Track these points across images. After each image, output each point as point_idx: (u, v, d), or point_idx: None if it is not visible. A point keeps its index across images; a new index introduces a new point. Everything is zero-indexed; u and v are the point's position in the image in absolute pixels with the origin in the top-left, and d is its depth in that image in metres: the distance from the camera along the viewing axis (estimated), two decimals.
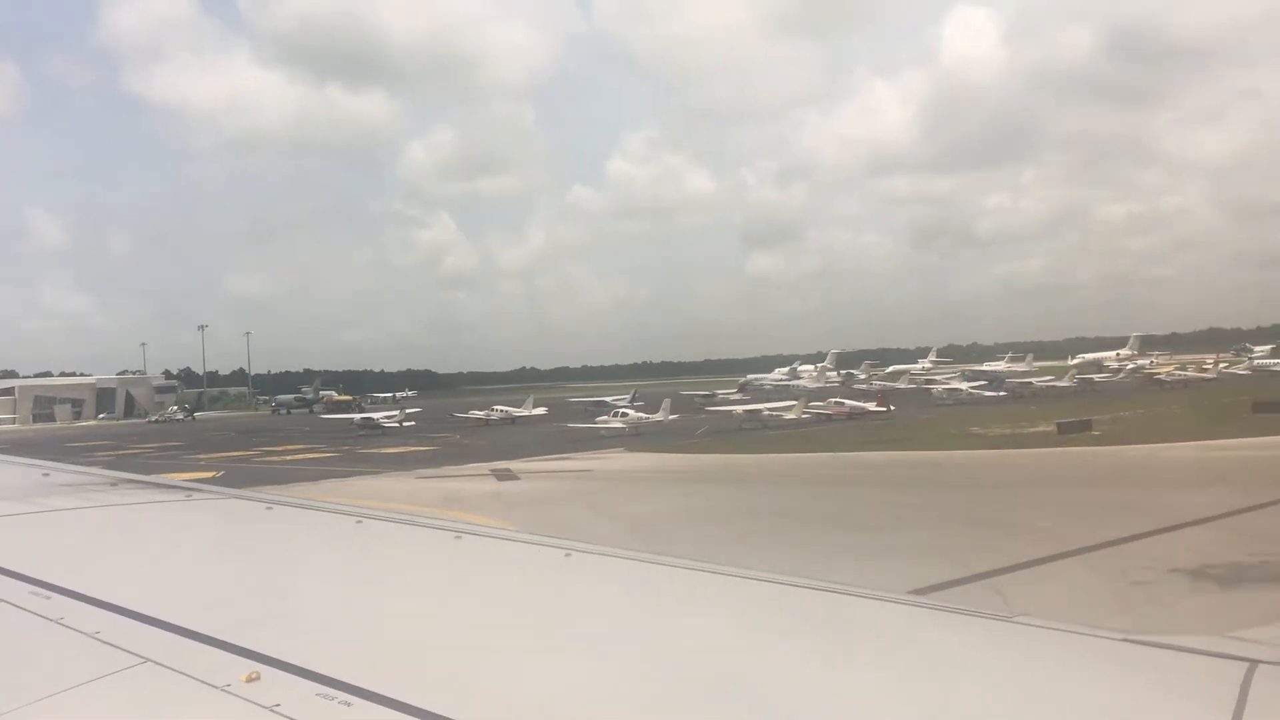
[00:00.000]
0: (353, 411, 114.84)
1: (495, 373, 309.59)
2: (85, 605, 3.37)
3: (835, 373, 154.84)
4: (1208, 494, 31.77)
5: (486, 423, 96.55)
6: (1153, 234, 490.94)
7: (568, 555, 4.25)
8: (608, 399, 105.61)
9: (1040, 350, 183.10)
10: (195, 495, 6.22)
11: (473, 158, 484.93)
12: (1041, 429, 66.09)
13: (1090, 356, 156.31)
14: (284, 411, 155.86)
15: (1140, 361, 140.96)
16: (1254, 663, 2.73)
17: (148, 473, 7.98)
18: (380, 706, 2.46)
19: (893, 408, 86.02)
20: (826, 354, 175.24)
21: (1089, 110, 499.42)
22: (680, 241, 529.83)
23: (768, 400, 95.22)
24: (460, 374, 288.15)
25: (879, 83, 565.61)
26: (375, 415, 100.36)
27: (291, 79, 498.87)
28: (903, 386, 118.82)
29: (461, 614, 3.57)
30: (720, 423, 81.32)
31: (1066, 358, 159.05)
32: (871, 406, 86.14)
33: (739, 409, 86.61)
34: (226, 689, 2.59)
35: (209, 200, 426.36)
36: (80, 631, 3.10)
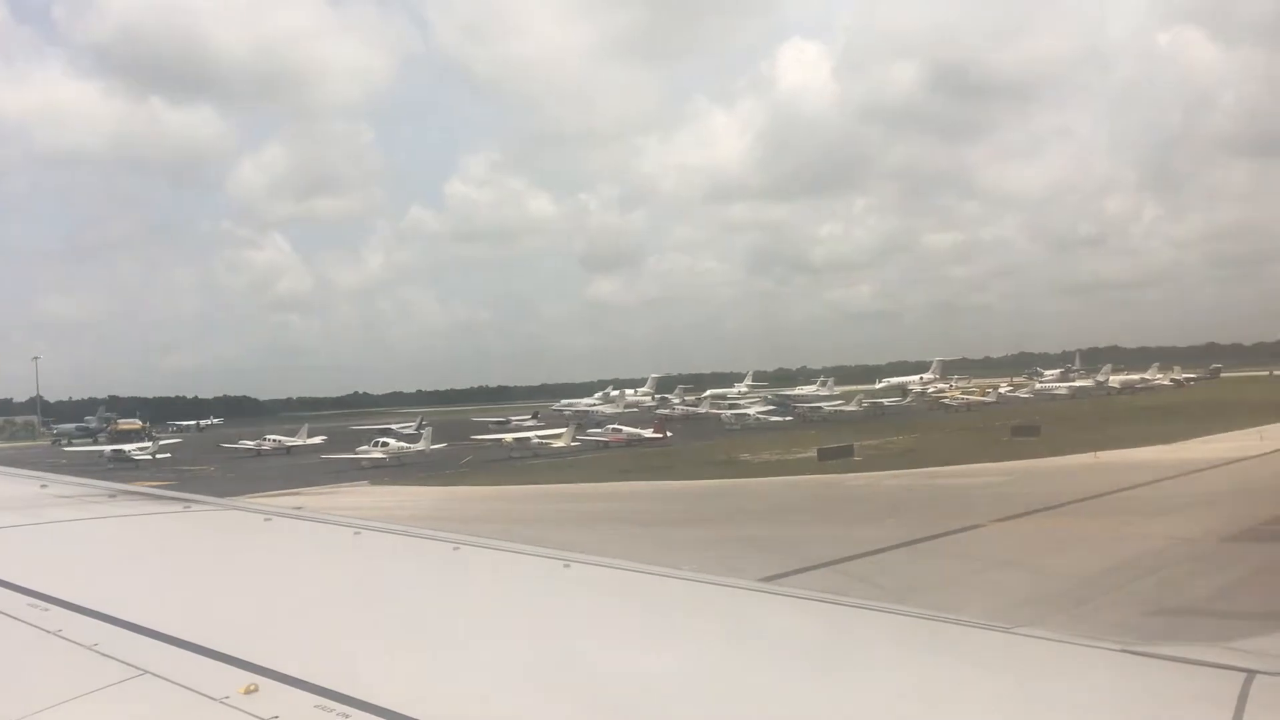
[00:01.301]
0: (144, 439, 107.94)
1: (326, 398, 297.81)
2: (83, 617, 3.34)
3: (652, 397, 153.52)
4: (873, 529, 29.67)
5: (258, 453, 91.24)
6: (974, 262, 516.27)
7: (567, 566, 4.25)
8: (394, 426, 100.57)
9: (866, 374, 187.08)
10: (193, 507, 6.10)
11: (307, 177, 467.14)
12: (807, 455, 65.42)
13: (896, 380, 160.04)
14: (65, 442, 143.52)
15: (940, 385, 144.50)
16: (1252, 673, 2.75)
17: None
18: (379, 718, 2.47)
19: (669, 434, 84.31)
20: (646, 379, 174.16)
21: (915, 143, 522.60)
22: (521, 265, 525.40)
23: (580, 426, 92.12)
24: (287, 399, 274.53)
25: (717, 111, 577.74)
26: (127, 447, 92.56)
27: (109, 91, 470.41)
28: (702, 411, 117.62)
29: (460, 624, 3.56)
30: (491, 452, 77.99)
31: (875, 381, 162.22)
32: (648, 434, 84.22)
33: (509, 437, 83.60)
34: (225, 701, 2.59)
35: (16, 216, 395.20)
36: (78, 643, 3.09)
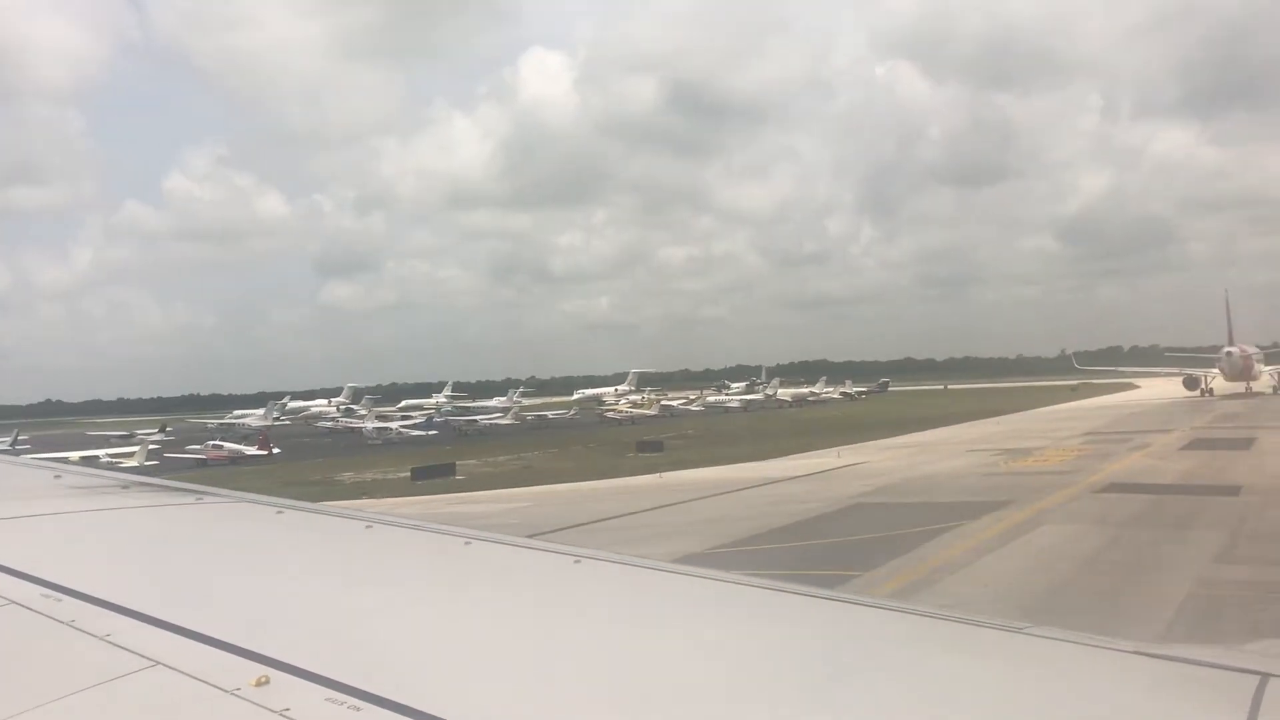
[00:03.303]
0: None
1: (15, 406, 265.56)
2: (96, 608, 3.33)
3: (338, 408, 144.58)
4: None
5: None
6: (707, 276, 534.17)
7: (577, 562, 4.23)
8: None
9: (607, 383, 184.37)
10: (206, 499, 6.05)
11: (2, 163, 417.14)
12: (403, 475, 60.35)
13: (590, 392, 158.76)
14: None
15: (634, 397, 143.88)
16: (1265, 675, 2.73)
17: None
18: (389, 711, 2.46)
19: (275, 450, 76.96)
20: (342, 389, 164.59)
21: (653, 157, 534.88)
22: (250, 267, 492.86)
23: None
24: None
25: (458, 116, 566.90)
26: None
27: None
28: (359, 425, 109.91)
29: (471, 619, 3.56)
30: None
31: (573, 392, 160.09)
32: (250, 450, 76.57)
33: (75, 455, 72.30)
34: (236, 692, 2.59)
35: None
36: (91, 634, 3.09)
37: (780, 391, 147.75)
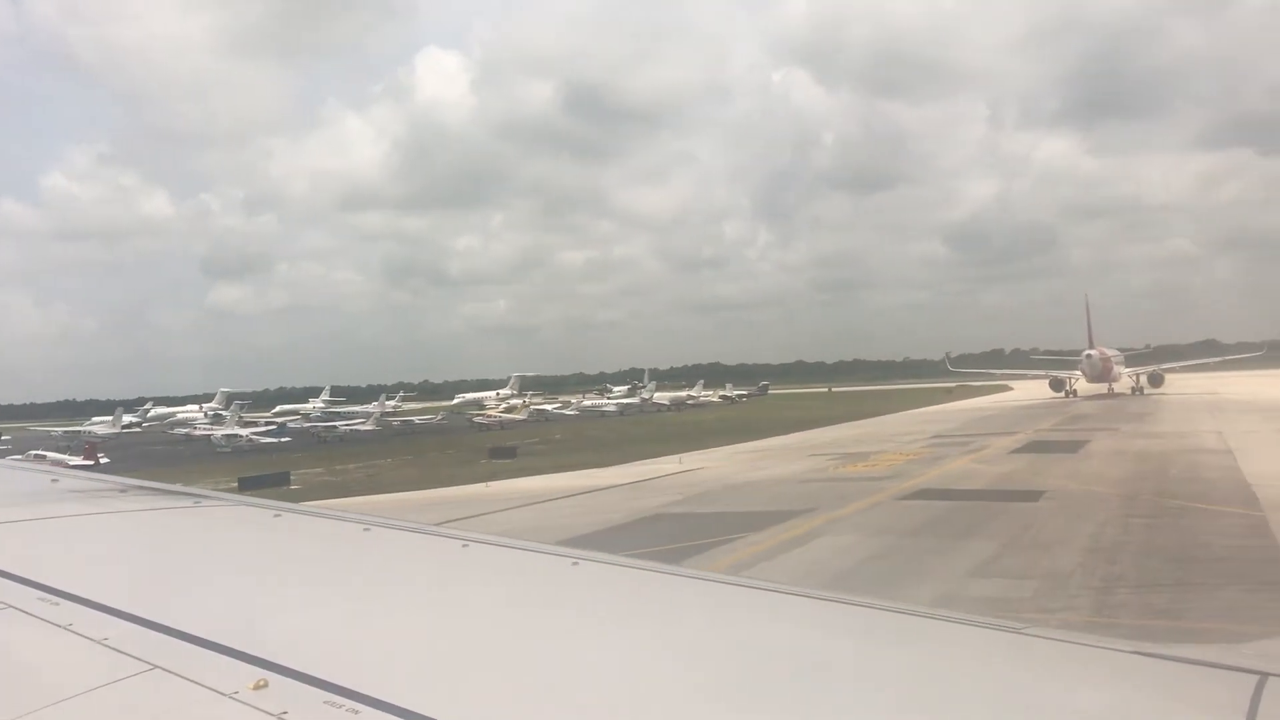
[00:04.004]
0: None
1: None
2: (93, 611, 3.33)
3: (225, 412, 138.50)
4: None
5: None
6: (606, 280, 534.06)
7: (575, 564, 4.25)
8: None
9: (502, 387, 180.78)
10: (203, 502, 6.00)
11: None
12: (232, 486, 56.85)
13: (470, 396, 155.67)
14: None
15: (515, 401, 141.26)
16: (1264, 675, 2.73)
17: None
18: (388, 714, 2.47)
19: (103, 460, 72.41)
20: (216, 393, 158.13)
21: (551, 161, 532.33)
22: (134, 269, 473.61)
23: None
24: None
25: (351, 116, 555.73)
26: None
27: None
28: (220, 432, 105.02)
29: (469, 622, 3.55)
30: None
31: (453, 397, 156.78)
32: (75, 461, 71.70)
33: None
34: (234, 696, 2.59)
35: None
36: (88, 638, 3.09)
37: (657, 395, 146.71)
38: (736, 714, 2.57)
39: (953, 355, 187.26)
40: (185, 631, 3.07)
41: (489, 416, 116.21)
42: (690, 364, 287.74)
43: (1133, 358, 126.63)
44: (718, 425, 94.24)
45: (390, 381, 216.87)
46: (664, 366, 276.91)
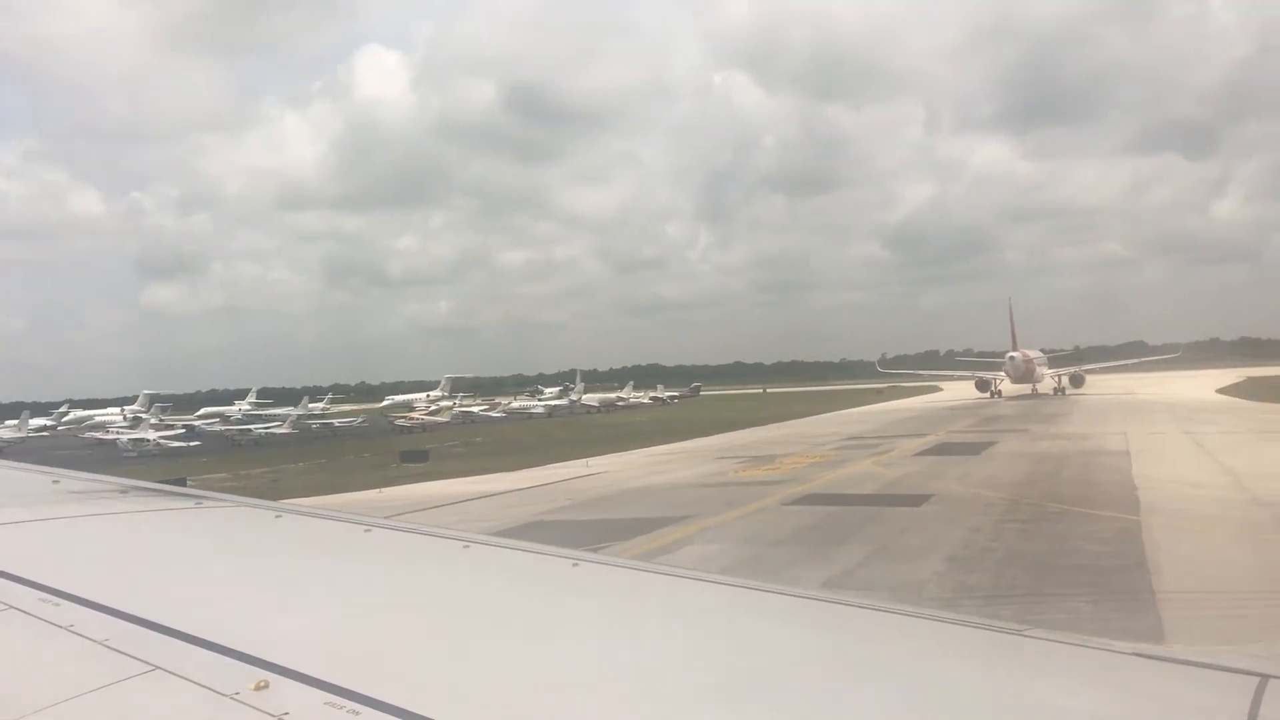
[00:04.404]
0: None
1: None
2: (94, 612, 3.35)
3: (141, 416, 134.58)
4: None
5: None
6: (547, 281, 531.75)
7: (575, 565, 4.25)
8: None
9: (431, 388, 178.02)
10: (205, 503, 6.05)
11: None
12: None
13: (400, 398, 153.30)
14: None
15: (445, 404, 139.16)
16: (1265, 677, 2.74)
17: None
18: (389, 715, 2.48)
19: None
20: (138, 395, 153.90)
21: (492, 161, 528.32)
22: (63, 268, 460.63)
23: None
24: None
25: (290, 114, 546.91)
26: None
27: None
28: (126, 435, 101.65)
29: (470, 623, 3.56)
30: None
31: (382, 399, 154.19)
32: None
33: None
34: (235, 697, 2.60)
35: None
36: (89, 638, 3.10)
37: (586, 397, 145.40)
38: (737, 714, 2.58)
39: (890, 356, 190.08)
40: (186, 632, 3.08)
41: (412, 419, 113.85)
42: (630, 365, 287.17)
43: (1058, 359, 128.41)
44: (642, 427, 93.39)
45: (328, 383, 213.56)
46: (604, 368, 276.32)
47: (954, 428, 67.11)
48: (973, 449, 49.76)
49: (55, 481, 6.62)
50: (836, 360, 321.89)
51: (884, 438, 60.73)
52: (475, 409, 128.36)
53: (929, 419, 79.66)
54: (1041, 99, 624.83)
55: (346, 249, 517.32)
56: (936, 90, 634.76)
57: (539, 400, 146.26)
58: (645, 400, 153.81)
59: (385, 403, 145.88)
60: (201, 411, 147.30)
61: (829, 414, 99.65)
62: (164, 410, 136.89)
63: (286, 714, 2.47)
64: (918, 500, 32.11)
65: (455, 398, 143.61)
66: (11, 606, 3.42)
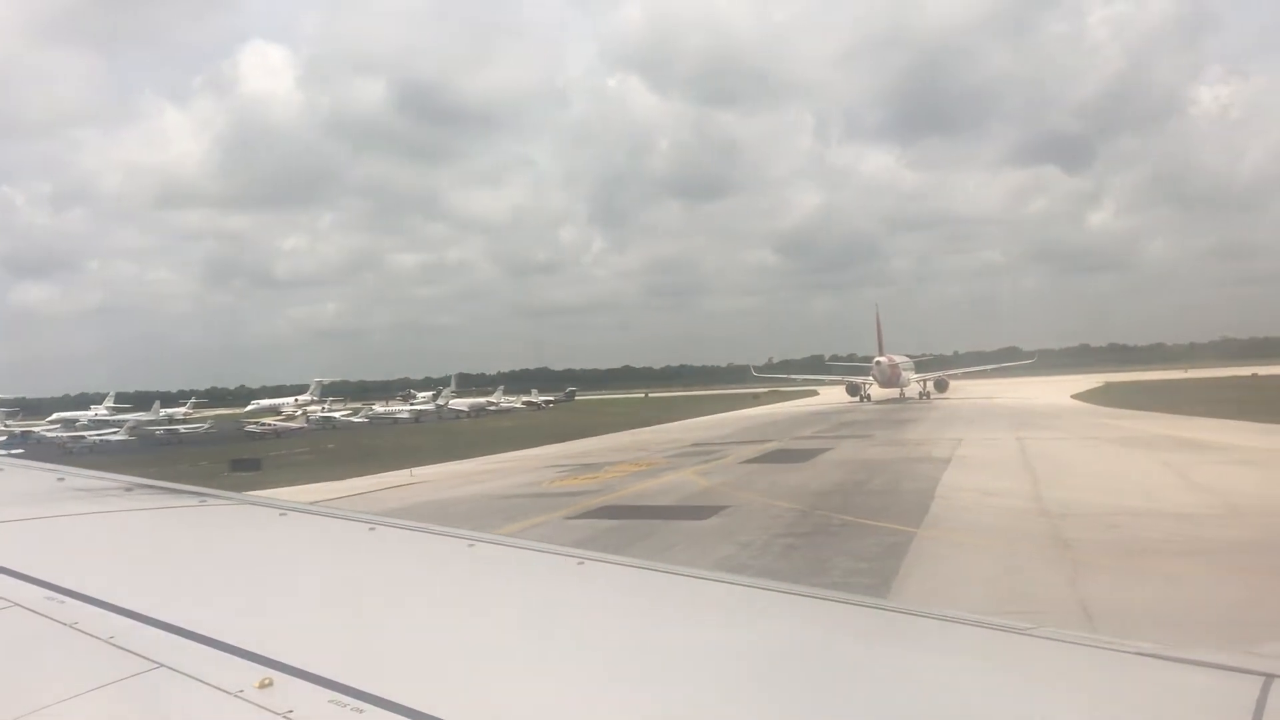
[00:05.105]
0: None
1: None
2: (99, 609, 3.34)
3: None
4: None
5: None
6: (440, 283, 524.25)
7: (581, 564, 4.24)
8: None
9: (339, 390, 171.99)
10: (209, 501, 6.03)
11: None
12: None
13: (267, 402, 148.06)
14: None
15: (312, 408, 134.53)
16: (1270, 677, 2.73)
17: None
18: (393, 714, 2.47)
19: None
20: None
21: (383, 161, 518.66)
22: None
23: None
24: None
25: (170, 109, 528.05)
26: None
27: None
28: None
29: (475, 621, 3.56)
30: None
31: (247, 403, 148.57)
32: None
33: None
34: (239, 694, 2.60)
35: None
36: (94, 636, 3.10)
37: (454, 402, 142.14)
38: (740, 713, 2.57)
39: (776, 360, 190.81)
40: (191, 630, 3.06)
41: (265, 425, 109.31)
42: (519, 369, 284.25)
43: (926, 364, 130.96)
44: (501, 433, 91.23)
45: (206, 386, 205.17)
46: (493, 371, 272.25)
47: (801, 434, 67.02)
48: (803, 456, 49.30)
49: (60, 479, 6.56)
50: (724, 365, 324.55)
51: (727, 445, 60.07)
52: (338, 414, 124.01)
53: (783, 425, 79.68)
54: (926, 110, 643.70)
55: (230, 249, 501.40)
56: (826, 99, 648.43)
57: (410, 405, 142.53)
58: (519, 405, 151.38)
59: (250, 407, 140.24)
60: (53, 416, 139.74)
61: (694, 419, 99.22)
62: (12, 415, 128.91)
63: (291, 712, 2.46)
64: (708, 513, 31.07)
65: (324, 401, 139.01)
66: (16, 604, 3.40)
